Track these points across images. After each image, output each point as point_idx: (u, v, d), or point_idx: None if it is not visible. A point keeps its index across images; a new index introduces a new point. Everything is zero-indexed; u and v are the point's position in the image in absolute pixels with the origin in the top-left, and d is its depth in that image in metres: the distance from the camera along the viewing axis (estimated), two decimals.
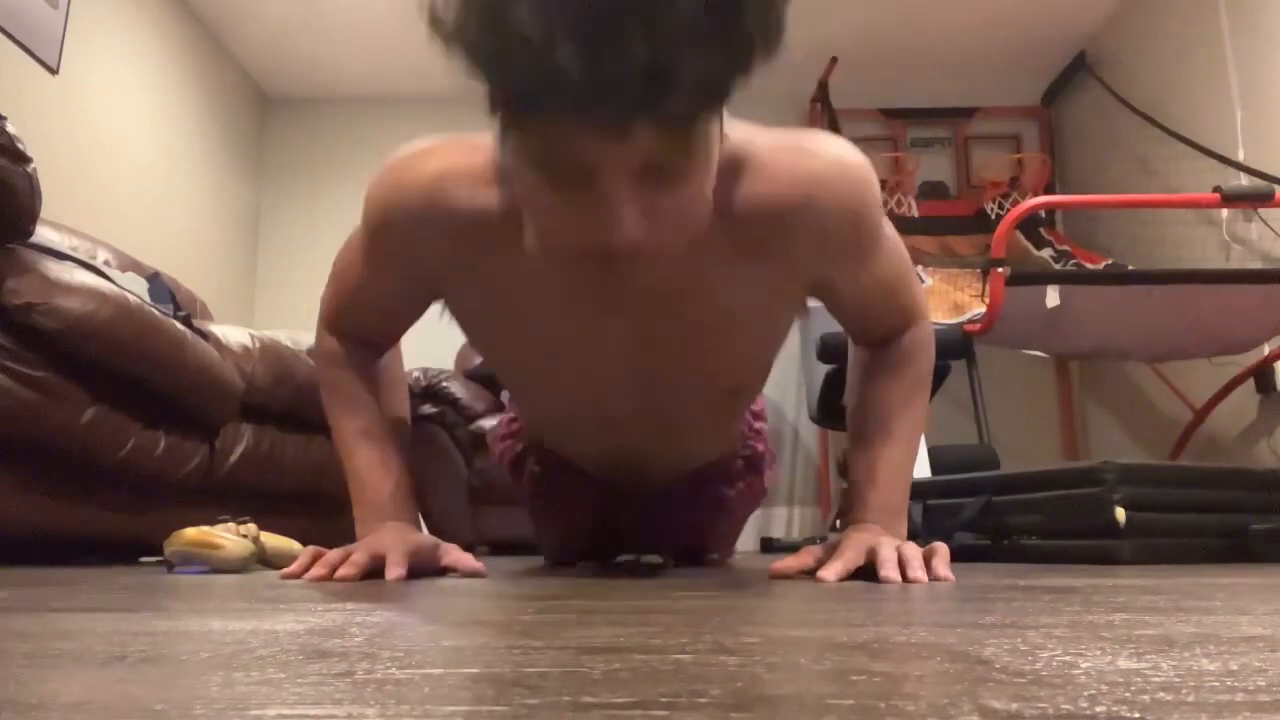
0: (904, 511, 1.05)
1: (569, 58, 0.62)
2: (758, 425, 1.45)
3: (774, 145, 0.90)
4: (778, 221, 0.89)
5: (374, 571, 0.95)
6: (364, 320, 1.09)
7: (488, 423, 3.06)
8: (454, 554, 1.04)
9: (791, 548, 3.32)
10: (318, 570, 0.94)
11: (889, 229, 1.00)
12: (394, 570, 0.93)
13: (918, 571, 0.88)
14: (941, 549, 0.94)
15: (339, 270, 1.08)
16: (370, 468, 1.05)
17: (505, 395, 1.54)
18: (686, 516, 1.41)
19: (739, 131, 0.87)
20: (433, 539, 1.06)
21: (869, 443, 1.06)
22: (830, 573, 0.91)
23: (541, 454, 1.39)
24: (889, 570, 0.88)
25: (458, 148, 0.93)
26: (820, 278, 0.98)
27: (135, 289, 1.90)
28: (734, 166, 0.87)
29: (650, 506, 1.39)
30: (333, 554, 0.97)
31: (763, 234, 0.90)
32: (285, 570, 1.00)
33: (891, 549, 0.92)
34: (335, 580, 0.92)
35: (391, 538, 0.99)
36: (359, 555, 0.95)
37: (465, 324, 1.06)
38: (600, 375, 1.03)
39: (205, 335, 2.00)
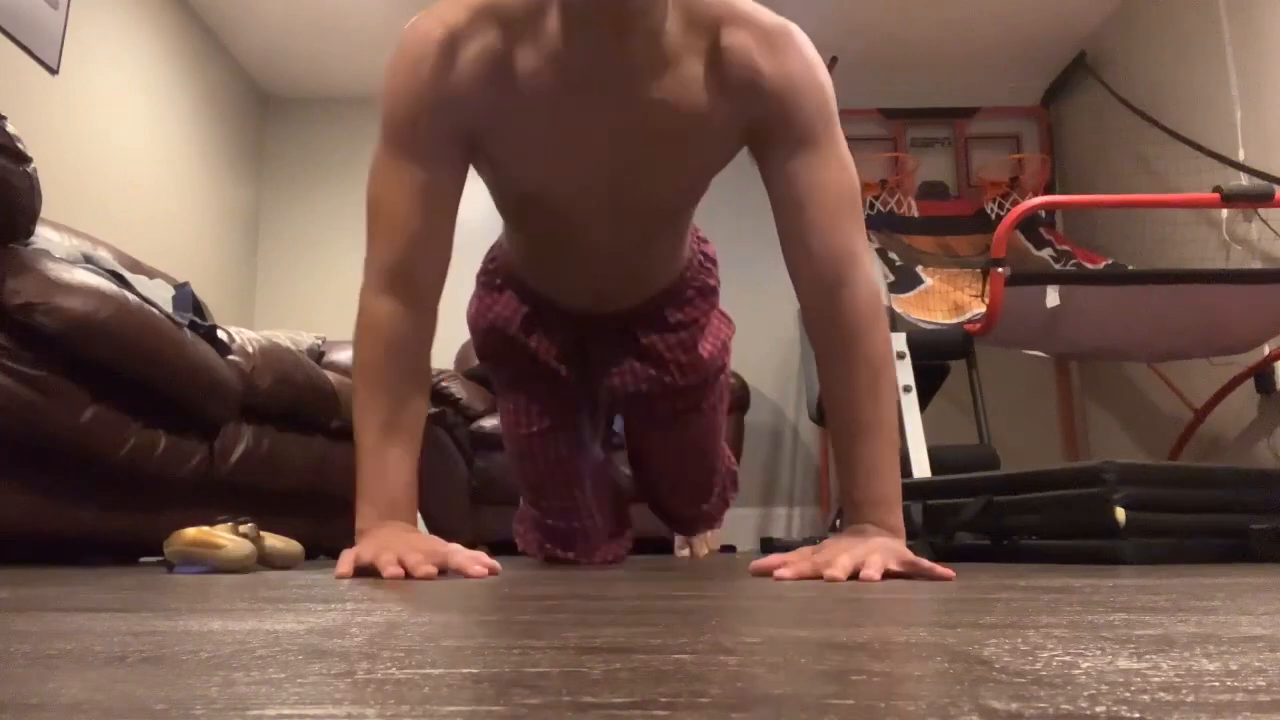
0: (893, 503, 1.07)
1: None
2: (708, 265, 1.57)
3: (767, 15, 1.12)
4: (738, 60, 1.09)
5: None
6: (416, 234, 1.12)
7: (488, 423, 3.06)
8: (461, 555, 1.03)
9: (791, 547, 3.32)
10: (394, 569, 0.94)
11: (841, 140, 1.15)
12: (424, 569, 0.94)
13: (870, 570, 0.91)
14: (921, 563, 0.97)
15: (375, 195, 1.14)
16: (388, 464, 1.08)
17: (489, 250, 1.62)
18: (650, 339, 1.50)
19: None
20: (440, 541, 1.06)
21: (843, 438, 1.11)
22: (785, 571, 0.96)
23: (520, 291, 1.50)
24: (831, 570, 0.92)
25: (450, 4, 1.09)
26: (760, 127, 1.13)
27: (160, 296, 1.91)
28: (723, 15, 1.09)
29: (616, 337, 1.50)
30: (386, 554, 0.97)
31: (739, 79, 1.10)
32: (340, 570, 0.99)
33: (855, 557, 0.94)
34: (419, 579, 0.93)
35: (412, 538, 1.02)
36: (415, 555, 0.96)
37: (487, 162, 1.19)
38: (584, 173, 1.19)
39: (228, 345, 2.00)
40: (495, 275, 1.53)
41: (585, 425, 1.60)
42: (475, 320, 1.56)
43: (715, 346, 1.56)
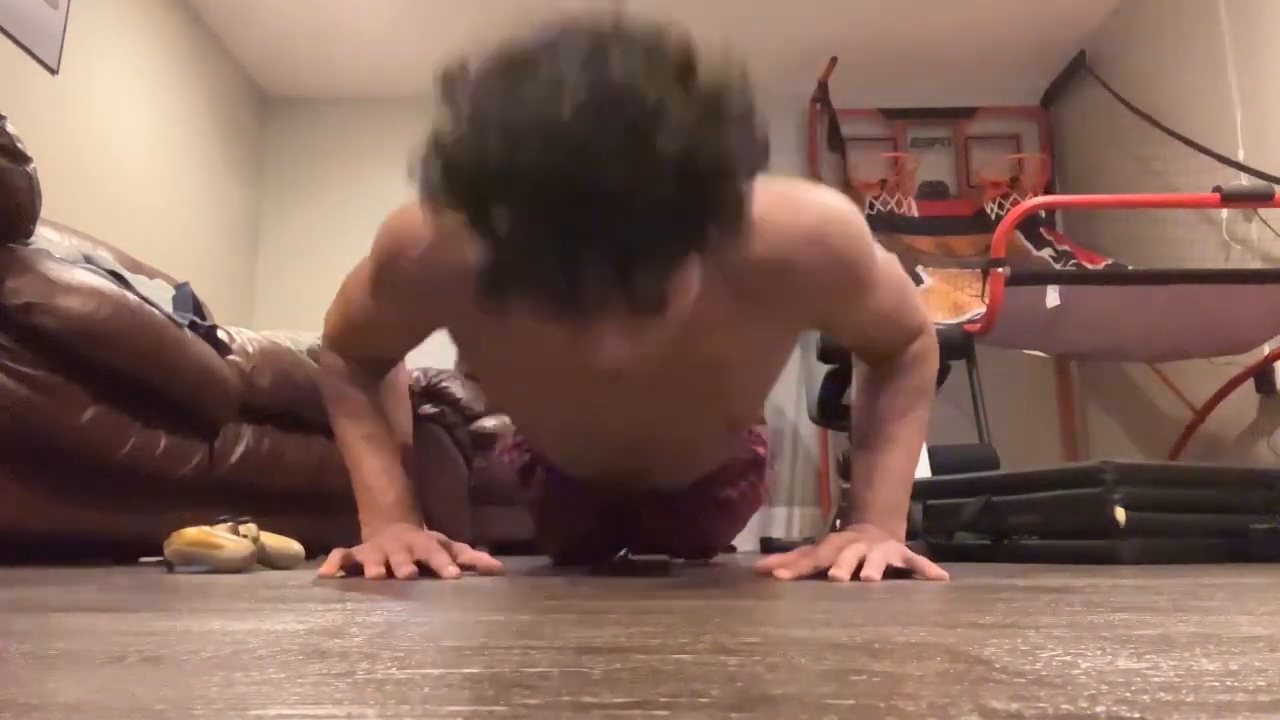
0: (900, 511, 1.08)
1: (542, 265, 0.66)
2: (758, 429, 1.49)
3: (765, 203, 0.82)
4: (774, 276, 0.92)
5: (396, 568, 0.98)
6: (369, 345, 1.13)
7: (488, 422, 3.06)
8: (468, 553, 1.05)
9: (791, 547, 3.32)
10: (377, 569, 0.95)
11: (882, 264, 1.02)
12: (405, 569, 0.95)
13: (871, 570, 0.91)
14: (919, 561, 0.97)
15: (346, 297, 1.10)
16: (375, 473, 1.08)
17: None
18: (691, 519, 1.44)
19: None
20: (443, 538, 1.06)
21: (869, 447, 1.09)
22: (785, 572, 0.96)
23: (548, 465, 1.43)
24: (837, 570, 0.91)
25: None
26: (817, 320, 1.04)
27: (160, 296, 1.91)
28: None
29: (654, 512, 1.43)
30: (374, 554, 0.98)
31: (759, 287, 0.92)
32: (323, 570, 0.99)
33: (857, 552, 0.94)
34: (400, 579, 0.93)
35: (409, 537, 1.02)
36: (401, 554, 0.97)
37: (466, 355, 1.11)
38: (599, 416, 1.05)
39: (228, 346, 2.00)
40: (525, 450, 1.48)
41: (616, 540, 1.57)
42: (510, 471, 1.54)
43: (756, 504, 1.52)
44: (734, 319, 0.94)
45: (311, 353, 2.70)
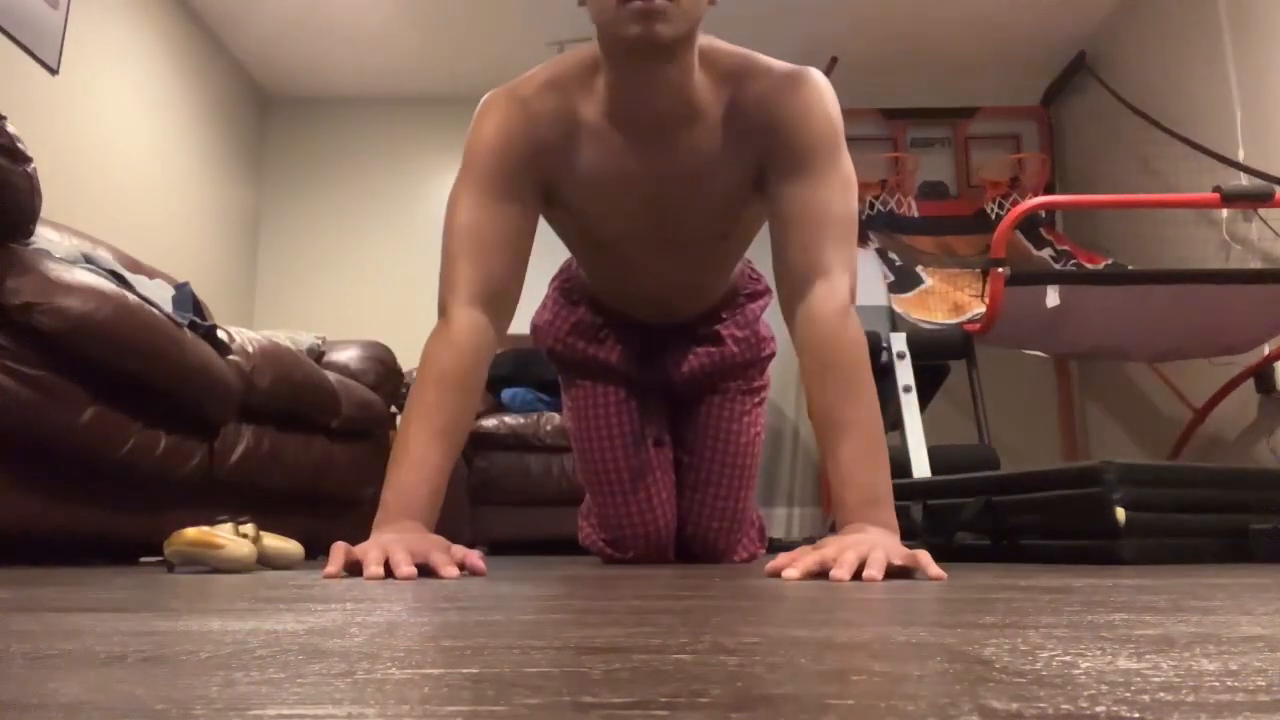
0: (885, 499, 1.08)
1: None
2: (754, 275, 1.75)
3: (782, 65, 1.24)
4: (767, 111, 1.22)
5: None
6: (497, 260, 1.23)
7: (488, 422, 3.06)
8: (459, 552, 1.07)
9: (792, 547, 3.31)
10: (376, 569, 0.96)
11: (845, 176, 1.22)
12: (404, 569, 0.96)
13: (873, 569, 0.91)
14: (920, 558, 0.97)
15: (452, 225, 1.24)
16: (419, 466, 1.11)
17: (561, 267, 1.76)
18: (709, 329, 1.66)
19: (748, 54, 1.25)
20: (444, 540, 1.07)
21: (828, 443, 1.11)
22: (793, 571, 0.96)
23: (594, 306, 1.65)
24: (838, 570, 0.92)
25: (528, 76, 1.28)
26: (771, 158, 1.24)
27: (160, 296, 1.91)
28: (741, 70, 1.23)
29: (679, 339, 1.67)
30: (374, 553, 0.99)
31: (754, 123, 1.23)
32: (328, 571, 0.99)
33: (859, 552, 0.95)
34: (401, 579, 0.94)
35: (411, 538, 1.03)
36: (402, 554, 0.98)
37: (559, 205, 1.34)
38: (635, 211, 1.34)
39: (228, 346, 2.00)
40: (572, 292, 1.68)
41: (651, 426, 1.68)
42: (548, 327, 1.69)
43: (766, 331, 1.72)
44: (729, 150, 1.26)
45: (312, 352, 2.70)
